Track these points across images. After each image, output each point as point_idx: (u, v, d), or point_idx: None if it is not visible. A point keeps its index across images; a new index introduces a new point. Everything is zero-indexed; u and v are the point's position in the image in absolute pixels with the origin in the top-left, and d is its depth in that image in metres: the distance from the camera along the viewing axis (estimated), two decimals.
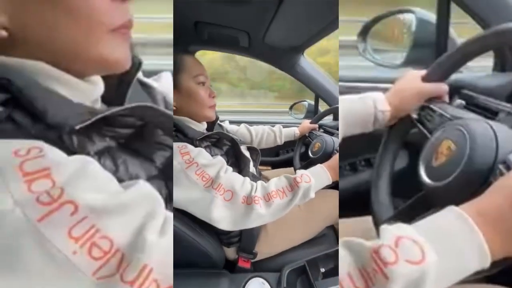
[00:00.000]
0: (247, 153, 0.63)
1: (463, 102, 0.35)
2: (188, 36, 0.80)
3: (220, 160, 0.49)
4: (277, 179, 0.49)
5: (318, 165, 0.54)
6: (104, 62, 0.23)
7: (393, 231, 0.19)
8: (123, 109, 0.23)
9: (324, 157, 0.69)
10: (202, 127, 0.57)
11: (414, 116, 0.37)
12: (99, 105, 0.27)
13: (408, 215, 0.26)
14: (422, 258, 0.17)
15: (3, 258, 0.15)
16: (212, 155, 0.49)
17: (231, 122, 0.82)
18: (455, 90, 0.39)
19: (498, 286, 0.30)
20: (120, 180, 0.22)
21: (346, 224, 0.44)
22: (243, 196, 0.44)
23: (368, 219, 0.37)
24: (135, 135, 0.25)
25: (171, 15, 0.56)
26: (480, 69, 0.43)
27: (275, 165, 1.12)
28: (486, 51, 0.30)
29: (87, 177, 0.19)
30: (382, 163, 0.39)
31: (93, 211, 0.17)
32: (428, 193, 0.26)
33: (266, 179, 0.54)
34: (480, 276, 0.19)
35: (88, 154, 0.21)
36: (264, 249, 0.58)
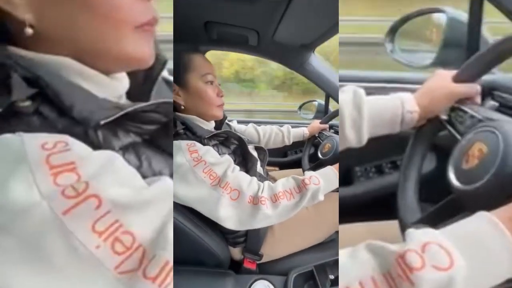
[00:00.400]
0: (254, 153, 0.62)
1: (496, 104, 0.33)
2: (198, 36, 0.81)
3: (228, 159, 0.48)
4: (285, 180, 0.48)
5: (328, 167, 0.52)
6: (127, 59, 0.23)
7: (419, 235, 0.18)
8: (148, 104, 0.23)
9: (334, 158, 0.67)
10: (210, 125, 0.57)
11: (444, 117, 0.36)
12: (123, 101, 0.27)
13: (436, 219, 0.25)
14: (450, 264, 0.16)
15: (28, 250, 0.15)
16: (219, 154, 0.49)
17: (239, 122, 0.82)
18: (487, 92, 0.36)
19: None
20: (144, 176, 0.22)
21: (353, 230, 0.42)
22: (249, 195, 0.43)
23: (387, 224, 0.35)
24: (159, 131, 0.25)
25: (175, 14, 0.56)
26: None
27: (283, 166, 1.11)
28: None
29: (112, 171, 0.19)
30: (409, 165, 0.37)
31: (117, 206, 0.17)
32: (457, 197, 0.25)
33: (274, 180, 0.53)
34: None
35: (113, 149, 0.21)
36: (271, 251, 0.57)
